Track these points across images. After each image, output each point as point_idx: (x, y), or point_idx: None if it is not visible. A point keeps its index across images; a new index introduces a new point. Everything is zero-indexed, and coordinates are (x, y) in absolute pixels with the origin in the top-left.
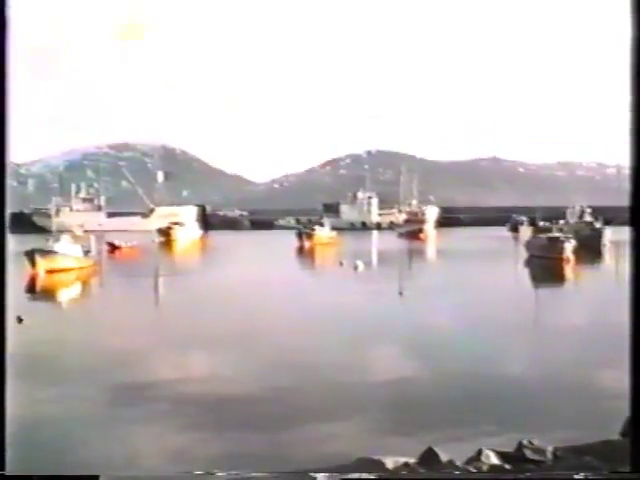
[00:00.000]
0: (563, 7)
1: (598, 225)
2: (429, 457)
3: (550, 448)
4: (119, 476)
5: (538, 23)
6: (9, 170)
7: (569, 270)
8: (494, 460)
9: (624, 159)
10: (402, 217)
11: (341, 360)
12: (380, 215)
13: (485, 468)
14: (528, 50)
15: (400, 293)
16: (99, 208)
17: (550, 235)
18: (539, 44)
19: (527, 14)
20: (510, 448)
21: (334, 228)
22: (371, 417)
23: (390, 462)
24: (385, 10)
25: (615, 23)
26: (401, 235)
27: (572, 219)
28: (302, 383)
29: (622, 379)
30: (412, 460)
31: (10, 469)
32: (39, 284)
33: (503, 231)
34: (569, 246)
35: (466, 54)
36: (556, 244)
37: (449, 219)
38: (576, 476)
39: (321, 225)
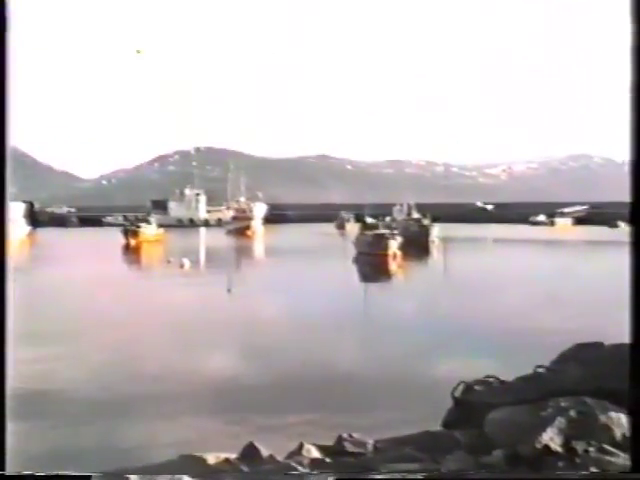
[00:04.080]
0: None
1: (426, 222)
2: (250, 452)
3: (370, 441)
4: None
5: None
6: None
7: (396, 266)
8: (315, 454)
9: (451, 157)
10: (230, 214)
11: (166, 359)
12: (208, 212)
13: (306, 462)
14: (363, 46)
15: (228, 290)
16: None
17: (376, 232)
18: (367, 40)
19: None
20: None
21: (161, 225)
22: (198, 416)
23: (212, 458)
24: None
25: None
26: (229, 232)
27: (400, 216)
28: (128, 381)
29: (448, 370)
30: (233, 455)
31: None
32: None
33: (331, 228)
34: (394, 243)
35: (295, 49)
36: (381, 241)
37: (277, 216)
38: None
39: (147, 222)
